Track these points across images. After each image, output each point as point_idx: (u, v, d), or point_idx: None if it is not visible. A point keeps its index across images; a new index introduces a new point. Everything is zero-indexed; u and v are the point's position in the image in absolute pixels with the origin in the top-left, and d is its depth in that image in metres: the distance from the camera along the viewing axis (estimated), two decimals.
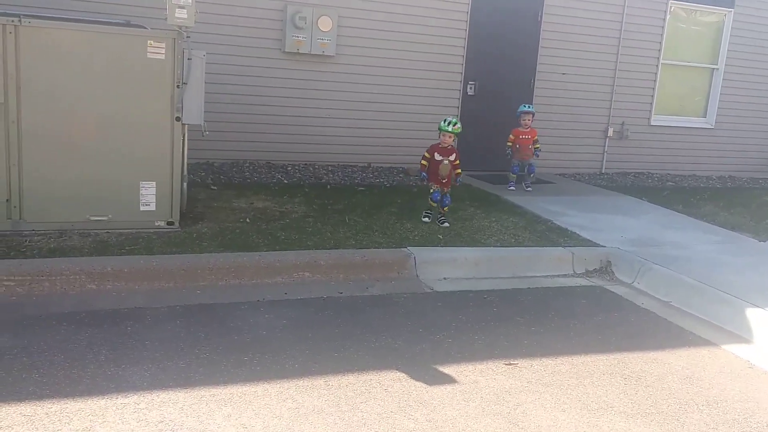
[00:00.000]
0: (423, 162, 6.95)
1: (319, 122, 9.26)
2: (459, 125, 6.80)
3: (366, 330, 4.60)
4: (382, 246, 6.11)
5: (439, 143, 6.87)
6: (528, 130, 8.91)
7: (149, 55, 5.67)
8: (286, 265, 5.51)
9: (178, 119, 5.85)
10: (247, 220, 6.57)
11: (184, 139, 6.07)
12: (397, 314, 4.95)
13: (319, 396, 3.66)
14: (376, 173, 9.38)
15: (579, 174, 10.83)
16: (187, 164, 6.38)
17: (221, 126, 8.45)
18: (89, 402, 3.41)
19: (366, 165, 9.61)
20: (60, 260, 5.10)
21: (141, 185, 5.88)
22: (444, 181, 6.85)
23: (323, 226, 6.57)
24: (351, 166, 9.52)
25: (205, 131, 6.37)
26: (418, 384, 3.88)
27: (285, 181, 8.51)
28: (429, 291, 5.53)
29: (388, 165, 9.71)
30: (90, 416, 3.29)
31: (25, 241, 5.44)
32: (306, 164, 9.29)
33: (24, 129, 5.50)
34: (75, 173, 5.69)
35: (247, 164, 9.00)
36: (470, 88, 10.01)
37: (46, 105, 5.52)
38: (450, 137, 6.78)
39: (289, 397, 3.62)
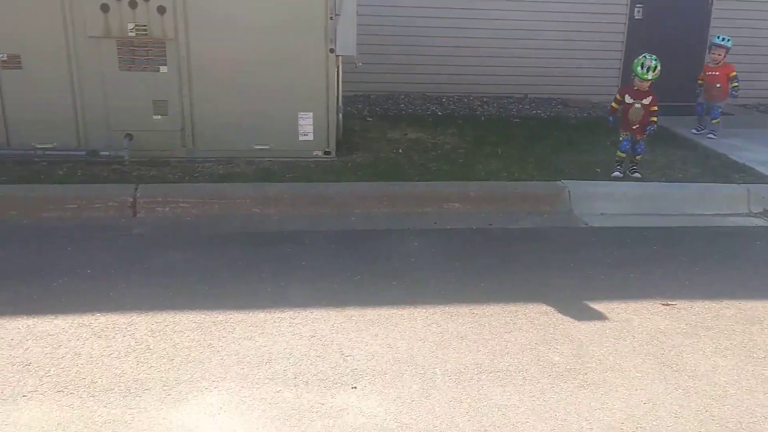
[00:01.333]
0: (613, 104, 6.15)
1: (473, 52, 9.03)
2: (659, 68, 5.81)
3: (514, 262, 4.55)
4: (535, 179, 5.94)
5: (632, 84, 6.04)
6: (718, 66, 7.64)
7: None
8: (436, 196, 5.53)
9: (331, 51, 5.96)
10: (400, 150, 6.65)
11: (338, 71, 6.19)
12: (548, 248, 4.83)
13: (464, 323, 3.69)
14: (532, 105, 9.06)
15: (763, 104, 9.77)
16: (345, 97, 6.54)
17: (378, 59, 8.50)
18: (250, 314, 3.69)
19: (522, 96, 9.30)
20: (228, 185, 5.48)
21: (299, 116, 6.11)
22: (635, 127, 6.00)
23: (475, 157, 6.49)
24: (506, 97, 9.25)
25: (358, 63, 6.45)
26: (566, 318, 3.79)
27: (439, 113, 8.47)
28: (584, 226, 5.33)
29: (546, 96, 9.33)
30: (251, 327, 3.57)
31: (198, 167, 5.89)
32: (460, 96, 9.16)
33: (192, 63, 5.87)
34: (239, 105, 6.02)
35: (402, 96, 9.04)
36: (638, 11, 9.25)
37: (211, 40, 5.84)
38: (648, 83, 5.90)
39: (434, 322, 3.69)
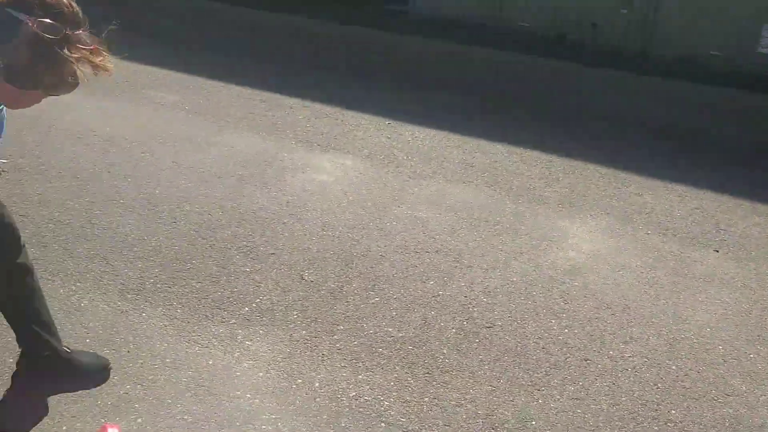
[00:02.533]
0: None
1: None
2: None
3: None
4: None
5: None
6: None
7: None
8: None
9: None
10: None
11: None
12: None
13: None
14: None
15: None
16: None
17: None
18: (646, 179, 4.23)
19: None
20: (653, 79, 5.93)
21: (763, 27, 6.01)
22: None
23: None
24: None
25: None
26: None
27: None
28: None
29: None
30: (643, 187, 4.13)
31: (650, 64, 6.36)
32: None
33: None
34: (701, 8, 6.19)
35: None
36: None
37: None
38: None
39: None
